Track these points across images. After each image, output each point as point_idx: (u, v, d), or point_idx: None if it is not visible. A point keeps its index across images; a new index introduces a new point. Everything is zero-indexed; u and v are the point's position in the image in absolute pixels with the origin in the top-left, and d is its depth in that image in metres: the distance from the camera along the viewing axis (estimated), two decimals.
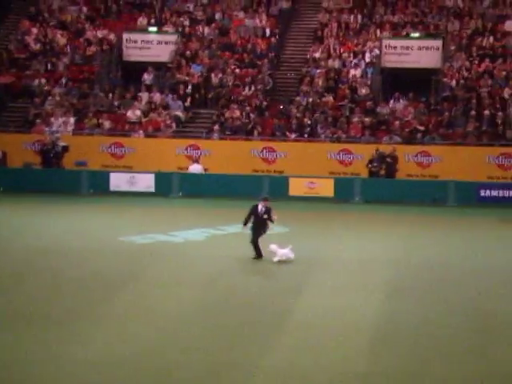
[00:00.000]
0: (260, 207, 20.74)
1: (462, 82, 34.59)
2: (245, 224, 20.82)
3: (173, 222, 25.98)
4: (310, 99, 34.91)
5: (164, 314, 16.15)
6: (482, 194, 30.29)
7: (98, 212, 28.34)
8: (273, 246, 20.32)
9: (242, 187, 31.19)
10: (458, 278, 19.41)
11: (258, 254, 20.55)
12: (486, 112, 33.03)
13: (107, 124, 34.87)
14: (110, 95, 36.12)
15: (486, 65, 35.12)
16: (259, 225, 20.69)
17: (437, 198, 30.20)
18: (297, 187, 31.16)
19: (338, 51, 37.30)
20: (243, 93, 35.95)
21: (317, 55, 37.14)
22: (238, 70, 36.84)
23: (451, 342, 14.71)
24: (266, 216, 20.66)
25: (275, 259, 20.21)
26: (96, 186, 31.84)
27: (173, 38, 38.61)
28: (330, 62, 36.72)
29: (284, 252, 20.28)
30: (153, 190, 31.64)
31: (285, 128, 34.18)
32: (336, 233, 24.83)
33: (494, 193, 30.26)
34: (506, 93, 33.82)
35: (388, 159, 31.19)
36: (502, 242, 23.81)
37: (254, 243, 20.59)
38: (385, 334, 15.13)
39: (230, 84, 36.35)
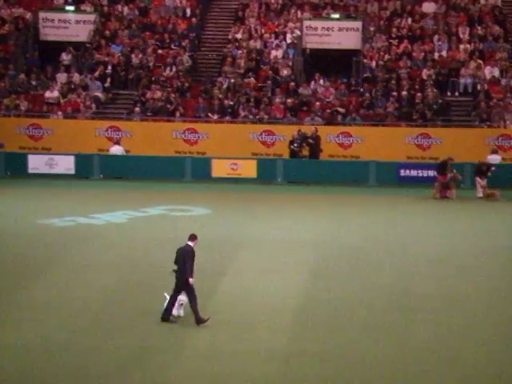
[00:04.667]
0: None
1: (381, 63, 34.96)
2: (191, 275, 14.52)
3: (94, 205, 25.58)
4: (232, 80, 34.78)
5: (86, 299, 15.87)
6: (402, 173, 30.75)
7: (16, 195, 27.66)
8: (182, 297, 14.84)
9: (164, 169, 30.98)
10: (379, 258, 19.66)
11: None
12: (405, 93, 33.50)
13: (24, 105, 34.02)
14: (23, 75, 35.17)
15: (405, 46, 35.56)
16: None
17: (358, 179, 30.51)
18: (219, 168, 31.04)
19: (259, 32, 37.21)
20: (164, 73, 35.55)
21: (238, 36, 36.97)
22: (159, 51, 36.41)
23: (372, 321, 14.90)
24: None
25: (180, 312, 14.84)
26: (13, 168, 31.08)
27: (91, 17, 37.80)
28: (252, 42, 36.60)
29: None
30: (73, 172, 31.07)
31: (207, 109, 33.98)
32: (259, 214, 24.85)
33: (414, 172, 30.73)
34: (425, 74, 34.33)
35: (310, 140, 31.34)
36: (421, 221, 24.22)
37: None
38: (307, 314, 15.23)
39: (151, 64, 35.89)
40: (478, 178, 28.45)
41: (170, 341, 13.69)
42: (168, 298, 14.84)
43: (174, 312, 14.74)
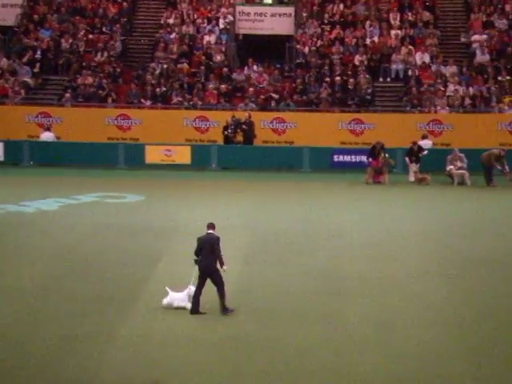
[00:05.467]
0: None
1: (314, 48, 35.07)
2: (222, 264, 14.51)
3: (24, 192, 25.05)
4: (165, 66, 34.44)
5: (17, 288, 15.53)
6: (336, 159, 30.97)
7: None
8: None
9: (96, 156, 30.54)
10: (313, 242, 19.71)
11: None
12: (338, 78, 33.68)
13: None
14: None
15: (337, 32, 35.75)
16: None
17: (292, 165, 30.63)
18: (153, 155, 30.76)
19: (191, 17, 36.93)
20: (95, 59, 35.00)
21: (170, 21, 36.63)
22: (89, 36, 35.82)
23: (307, 305, 14.93)
24: None
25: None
26: None
27: (19, 0, 36.99)
28: (184, 28, 36.32)
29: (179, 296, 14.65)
30: (2, 158, 30.50)
31: (140, 95, 33.60)
32: (194, 200, 24.68)
33: (347, 158, 30.98)
34: (357, 59, 34.57)
35: (244, 126, 31.30)
36: (354, 206, 24.40)
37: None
38: (242, 300, 15.16)
39: (82, 50, 35.29)
40: (407, 159, 28.72)
41: (102, 329, 13.46)
42: (170, 292, 14.49)
43: (184, 304, 14.36)
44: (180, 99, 33.24)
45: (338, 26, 35.96)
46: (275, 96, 33.45)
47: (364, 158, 29.75)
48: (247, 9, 37.03)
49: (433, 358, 12.49)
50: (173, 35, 35.75)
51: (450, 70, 33.99)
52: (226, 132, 31.31)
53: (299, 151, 30.96)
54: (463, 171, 28.21)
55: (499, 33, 35.27)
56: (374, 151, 28.53)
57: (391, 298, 15.40)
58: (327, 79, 33.69)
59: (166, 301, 14.53)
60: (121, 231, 20.27)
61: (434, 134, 31.73)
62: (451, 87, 33.29)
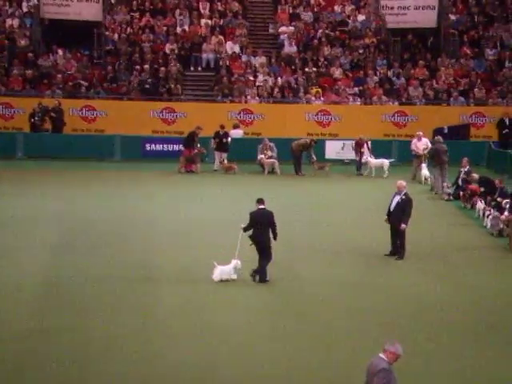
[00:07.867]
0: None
1: (124, 35, 34.46)
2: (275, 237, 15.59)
3: None
4: None
5: None
6: (148, 148, 30.63)
7: None
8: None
9: None
10: (121, 232, 19.30)
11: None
12: (148, 66, 33.30)
13: None
14: None
15: (147, 20, 35.34)
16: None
17: (103, 154, 29.95)
18: None
19: None
20: None
21: None
22: None
23: (116, 295, 14.62)
24: None
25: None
26: None
27: None
28: None
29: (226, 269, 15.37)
30: None
31: None
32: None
33: (159, 147, 30.72)
34: (168, 48, 34.34)
35: (52, 113, 30.26)
36: (166, 195, 24.19)
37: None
38: (48, 290, 14.65)
39: None
40: (212, 141, 28.79)
41: None
42: (217, 266, 15.08)
43: (232, 276, 15.16)
44: None
45: (147, 14, 35.54)
46: (84, 83, 32.57)
47: (176, 147, 29.63)
48: None
49: (248, 341, 12.60)
50: None
51: (259, 60, 34.53)
52: (32, 119, 30.15)
53: (110, 140, 30.34)
54: (273, 160, 28.73)
55: (305, 25, 36.26)
56: (192, 138, 28.33)
57: (203, 286, 15.26)
58: (137, 67, 33.21)
59: (215, 274, 15.10)
60: None
61: (244, 124, 32.13)
62: (261, 77, 33.84)
